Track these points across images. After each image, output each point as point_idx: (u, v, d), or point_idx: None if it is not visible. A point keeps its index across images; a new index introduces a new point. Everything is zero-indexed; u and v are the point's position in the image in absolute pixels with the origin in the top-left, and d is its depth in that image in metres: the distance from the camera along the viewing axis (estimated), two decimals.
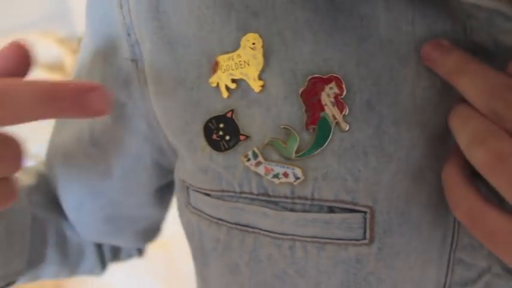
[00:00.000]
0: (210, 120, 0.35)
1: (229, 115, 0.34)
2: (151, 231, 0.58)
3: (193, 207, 0.40)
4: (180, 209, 0.44)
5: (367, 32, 0.31)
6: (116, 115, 0.42)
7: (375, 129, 0.32)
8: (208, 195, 0.38)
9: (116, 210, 0.50)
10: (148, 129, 0.42)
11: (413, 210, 0.33)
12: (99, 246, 0.56)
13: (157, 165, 0.47)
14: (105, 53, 0.41)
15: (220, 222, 0.37)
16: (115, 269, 0.65)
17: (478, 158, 0.26)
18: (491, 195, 0.28)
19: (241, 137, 0.34)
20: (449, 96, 0.31)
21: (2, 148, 0.29)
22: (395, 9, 0.31)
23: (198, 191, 0.39)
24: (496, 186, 0.26)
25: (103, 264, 0.57)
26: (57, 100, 0.29)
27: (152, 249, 0.60)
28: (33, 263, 0.47)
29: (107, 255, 0.57)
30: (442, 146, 0.32)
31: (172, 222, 0.57)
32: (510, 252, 0.26)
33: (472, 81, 0.28)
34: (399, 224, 0.33)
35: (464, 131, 0.28)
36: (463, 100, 0.29)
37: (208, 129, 0.35)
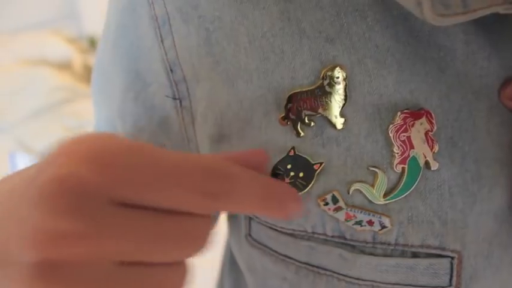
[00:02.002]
0: (275, 168, 0.31)
1: (291, 153, 0.30)
2: None
3: (255, 240, 0.37)
4: (236, 239, 0.41)
5: (445, 64, 0.29)
6: None
7: (458, 167, 0.30)
8: (275, 229, 0.35)
9: None
10: None
11: (496, 252, 0.31)
12: None
13: None
14: (135, 91, 0.36)
15: (287, 259, 0.35)
16: None
17: None
18: None
19: (316, 166, 0.30)
20: None
21: (181, 232, 0.23)
22: (473, 43, 0.29)
23: (264, 224, 0.35)
24: None
25: None
26: (268, 199, 0.25)
27: None
28: None
29: None
30: None
31: None
32: None
33: None
34: (484, 268, 0.31)
35: None
36: None
37: (278, 176, 0.31)
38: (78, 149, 0.20)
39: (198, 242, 0.23)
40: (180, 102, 0.35)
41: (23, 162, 1.80)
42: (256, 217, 0.36)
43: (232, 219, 0.42)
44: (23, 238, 0.19)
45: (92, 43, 2.29)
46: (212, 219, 0.24)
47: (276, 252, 0.35)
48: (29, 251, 0.19)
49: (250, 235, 0.38)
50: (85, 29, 2.35)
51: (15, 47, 2.04)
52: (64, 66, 2.00)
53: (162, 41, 0.33)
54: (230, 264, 0.52)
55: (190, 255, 0.23)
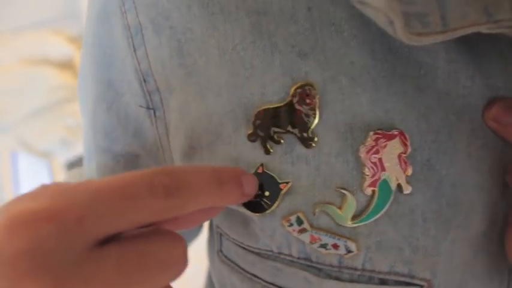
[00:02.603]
0: None
1: (260, 171, 0.29)
2: None
3: (225, 257, 0.36)
4: (210, 254, 0.40)
5: (425, 83, 0.28)
6: (130, 167, 0.38)
7: (434, 191, 0.28)
8: (243, 248, 0.33)
9: None
10: None
11: (469, 281, 0.30)
12: None
13: None
14: (108, 101, 0.35)
15: (254, 278, 0.33)
16: None
17: None
18: None
19: (282, 186, 0.29)
20: (504, 157, 0.29)
21: (163, 254, 0.23)
22: (456, 62, 0.28)
23: (232, 242, 0.34)
24: None
25: None
26: (223, 184, 0.26)
27: None
28: None
29: None
30: (498, 210, 0.29)
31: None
32: None
33: None
34: None
35: None
36: None
37: None
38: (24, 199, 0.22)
39: (175, 267, 0.24)
40: (154, 112, 0.34)
41: (24, 161, 1.80)
42: (226, 234, 0.35)
43: (210, 236, 0.41)
44: None
45: None
46: (187, 240, 0.26)
47: (243, 270, 0.34)
48: None
49: (221, 251, 0.37)
50: None
51: (16, 46, 2.04)
52: (65, 65, 2.00)
53: (134, 50, 0.32)
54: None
55: (170, 279, 0.24)
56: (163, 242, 0.23)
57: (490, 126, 0.28)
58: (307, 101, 0.27)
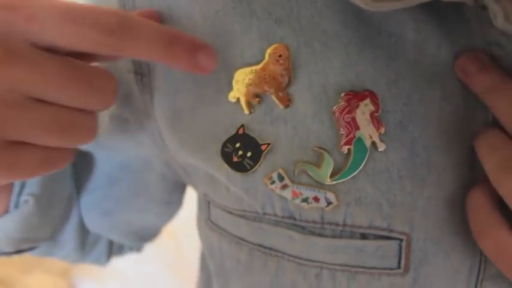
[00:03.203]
0: (224, 145, 0.31)
1: (240, 132, 0.31)
2: (148, 234, 0.56)
3: (214, 224, 0.38)
4: (199, 224, 0.42)
5: (395, 51, 0.29)
6: (120, 130, 0.39)
7: (408, 151, 0.30)
8: (229, 212, 0.35)
9: (116, 206, 0.48)
10: (153, 144, 0.39)
11: (446, 238, 0.31)
12: (111, 241, 0.55)
13: (164, 177, 0.44)
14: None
15: (241, 241, 0.35)
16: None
17: (505, 186, 0.26)
18: None
19: (263, 147, 0.30)
20: (473, 123, 0.30)
21: (98, 80, 0.27)
22: (423, 31, 0.29)
23: (219, 207, 0.36)
24: None
25: (109, 256, 0.55)
26: (173, 45, 0.27)
27: (160, 236, 0.58)
28: (54, 235, 0.46)
29: (114, 248, 0.55)
30: (469, 172, 0.30)
31: (181, 210, 0.55)
32: None
33: (508, 101, 0.27)
34: (434, 253, 0.31)
35: (492, 158, 0.27)
36: (491, 125, 0.29)
37: (226, 154, 0.31)
38: None
39: (109, 94, 0.28)
40: (141, 78, 0.35)
41: None
42: (213, 200, 0.36)
43: (198, 208, 0.42)
44: None
45: None
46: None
47: (231, 234, 0.36)
48: None
49: (209, 219, 0.38)
50: None
51: None
52: None
53: (124, 5, 0.34)
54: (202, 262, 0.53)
55: (102, 104, 0.28)
56: (100, 71, 0.28)
57: (458, 77, 0.29)
58: (281, 61, 0.29)
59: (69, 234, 0.47)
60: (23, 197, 0.38)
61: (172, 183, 0.46)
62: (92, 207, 0.48)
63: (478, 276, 0.32)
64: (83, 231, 0.49)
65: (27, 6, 0.25)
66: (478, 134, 0.29)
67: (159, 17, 0.32)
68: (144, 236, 0.55)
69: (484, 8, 0.26)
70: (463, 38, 0.29)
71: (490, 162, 0.28)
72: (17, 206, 0.38)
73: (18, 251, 0.43)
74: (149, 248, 0.60)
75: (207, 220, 0.39)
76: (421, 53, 0.29)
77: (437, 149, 0.30)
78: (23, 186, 0.38)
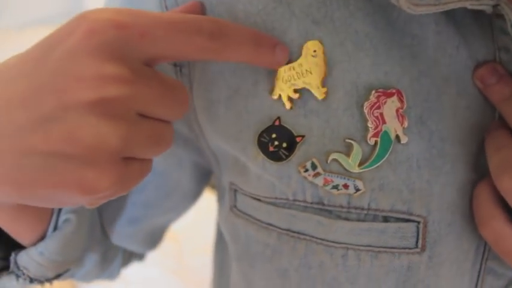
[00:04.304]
0: (261, 135, 0.34)
1: (277, 123, 0.34)
2: (159, 237, 0.57)
3: (240, 211, 0.40)
4: (222, 211, 0.44)
5: (418, 51, 0.33)
6: None
7: (426, 143, 0.33)
8: (258, 200, 0.38)
9: (146, 212, 0.50)
10: (189, 132, 0.42)
11: (458, 221, 0.34)
12: (125, 252, 0.56)
13: (197, 166, 0.47)
14: None
15: (270, 227, 0.38)
16: None
17: (502, 182, 0.30)
18: None
19: (298, 139, 0.34)
20: (484, 118, 0.34)
21: (175, 93, 0.29)
22: (443, 33, 0.33)
23: (248, 195, 0.39)
24: None
25: (121, 269, 0.56)
26: (260, 45, 0.31)
27: (163, 241, 0.59)
28: (83, 254, 0.45)
29: (124, 260, 0.57)
30: (479, 162, 0.34)
31: (184, 215, 0.57)
32: None
33: None
34: (447, 234, 0.34)
35: (496, 157, 0.31)
36: (500, 125, 0.33)
37: (263, 144, 0.34)
38: (104, 11, 0.27)
39: (185, 104, 0.30)
40: (180, 69, 0.38)
41: None
42: (241, 189, 0.39)
43: (220, 197, 0.45)
44: (82, 81, 0.25)
45: None
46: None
47: (259, 220, 0.38)
48: (89, 91, 0.25)
49: (235, 206, 0.41)
50: None
51: (20, 42, 2.05)
52: None
53: (166, 6, 0.36)
54: (217, 246, 0.56)
55: (179, 112, 0.30)
56: (178, 82, 0.30)
57: (477, 85, 0.33)
58: (313, 54, 0.32)
59: (93, 249, 0.48)
60: (63, 217, 0.39)
61: (202, 173, 0.48)
62: (120, 217, 0.49)
63: (483, 255, 0.35)
64: (105, 245, 0.50)
65: (138, 23, 0.26)
66: (488, 131, 0.33)
67: (203, 9, 0.35)
68: (155, 240, 0.57)
69: (499, 16, 0.30)
70: (478, 42, 0.33)
71: (493, 160, 0.32)
72: (55, 227, 0.39)
73: (57, 276, 0.42)
74: (152, 252, 0.61)
75: (232, 207, 0.41)
76: (441, 53, 0.33)
77: (452, 141, 0.33)
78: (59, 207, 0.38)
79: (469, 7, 0.30)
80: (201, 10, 0.35)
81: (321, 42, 0.32)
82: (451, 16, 0.33)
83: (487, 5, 0.30)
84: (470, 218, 0.34)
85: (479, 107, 0.34)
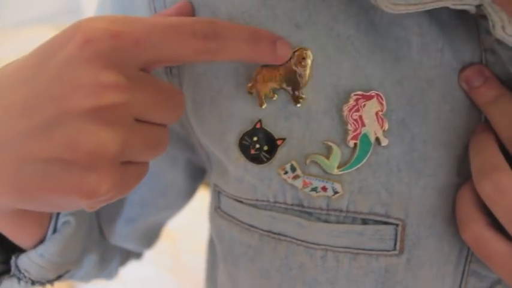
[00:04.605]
0: (242, 138, 0.35)
1: (258, 126, 0.34)
2: (155, 235, 0.58)
3: (224, 212, 0.41)
4: (210, 211, 0.45)
5: (401, 54, 0.33)
6: None
7: (407, 146, 0.33)
8: (240, 201, 0.38)
9: (142, 211, 0.50)
10: (181, 129, 0.42)
11: (439, 224, 0.35)
12: (122, 251, 0.56)
13: (191, 164, 0.48)
14: None
15: (252, 229, 0.38)
16: None
17: (482, 186, 0.30)
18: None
19: (279, 142, 0.34)
20: (470, 121, 0.33)
21: (170, 98, 0.29)
22: (427, 35, 0.33)
23: (230, 197, 0.39)
24: (496, 215, 0.30)
25: (119, 268, 0.57)
26: (258, 41, 0.31)
27: (159, 240, 0.60)
28: (82, 255, 0.46)
29: (123, 258, 0.57)
30: (464, 165, 0.34)
31: (179, 214, 0.57)
32: (508, 274, 0.30)
33: (502, 112, 0.31)
34: (426, 237, 0.34)
35: (477, 160, 0.32)
36: (486, 128, 0.33)
37: (244, 146, 0.35)
38: (98, 20, 0.27)
39: (180, 107, 0.31)
40: (170, 70, 0.39)
41: None
42: (224, 191, 0.40)
43: (211, 196, 0.45)
44: (80, 89, 0.25)
45: None
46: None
47: (241, 222, 0.39)
48: (87, 98, 0.25)
49: (219, 207, 0.41)
50: None
51: (17, 41, 2.07)
52: None
53: (154, 8, 0.37)
54: (209, 247, 0.56)
55: (175, 116, 0.31)
56: (173, 87, 0.30)
57: (462, 87, 0.33)
58: (302, 63, 0.32)
59: (92, 250, 0.48)
60: (62, 219, 0.39)
61: (196, 172, 0.49)
62: (113, 218, 0.50)
63: (466, 258, 0.35)
64: (103, 245, 0.50)
65: (132, 31, 0.27)
66: (472, 135, 0.33)
67: (191, 8, 0.35)
68: (152, 238, 0.57)
69: (483, 17, 0.30)
70: (463, 43, 0.33)
71: (474, 163, 0.32)
72: (54, 230, 0.39)
73: (58, 277, 0.42)
74: (148, 251, 0.61)
75: (216, 208, 0.42)
76: (425, 56, 0.33)
77: (435, 144, 0.33)
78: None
79: (452, 7, 0.29)
80: (191, 10, 0.35)
81: (310, 50, 0.33)
82: (435, 18, 0.33)
83: (469, 5, 0.29)
84: (452, 221, 0.34)
85: (465, 110, 0.34)
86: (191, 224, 1.45)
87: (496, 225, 0.31)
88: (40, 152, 0.26)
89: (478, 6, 0.30)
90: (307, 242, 0.36)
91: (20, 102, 0.26)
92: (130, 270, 1.33)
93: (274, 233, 0.37)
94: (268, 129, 0.34)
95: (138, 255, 0.60)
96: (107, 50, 0.26)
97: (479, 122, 0.34)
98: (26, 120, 0.26)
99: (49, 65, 0.26)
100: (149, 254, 0.63)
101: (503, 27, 0.29)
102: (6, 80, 0.27)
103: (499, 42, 0.31)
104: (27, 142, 0.26)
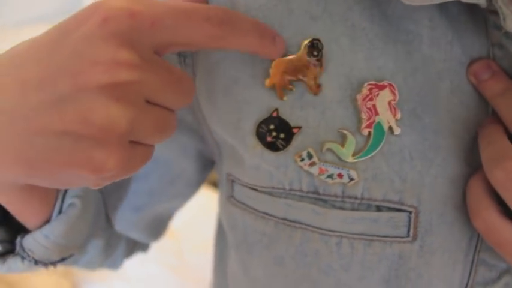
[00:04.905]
0: (259, 126, 0.36)
1: (274, 115, 0.35)
2: (163, 226, 0.58)
3: (237, 201, 0.42)
4: (220, 201, 0.46)
5: (412, 47, 0.34)
6: None
7: (419, 135, 0.34)
8: (255, 189, 0.39)
9: (150, 199, 0.51)
10: (193, 119, 0.43)
11: (450, 212, 0.36)
12: (128, 241, 0.57)
13: (201, 154, 0.48)
14: None
15: (267, 216, 0.39)
16: None
17: (493, 175, 0.31)
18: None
19: (295, 130, 0.35)
20: (478, 113, 0.35)
21: (180, 82, 0.30)
22: (437, 29, 0.34)
23: (245, 186, 0.40)
24: (507, 201, 0.31)
25: (124, 258, 0.57)
26: (264, 36, 0.32)
27: (162, 238, 0.60)
28: (87, 240, 0.46)
29: (129, 248, 0.58)
30: (472, 157, 0.35)
31: (182, 212, 0.58)
32: None
33: (509, 104, 0.32)
34: (438, 224, 0.36)
35: (487, 150, 0.33)
36: (494, 120, 0.34)
37: (261, 134, 0.36)
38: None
39: (190, 92, 0.32)
40: (184, 59, 0.39)
41: None
42: (238, 179, 0.41)
43: (220, 186, 0.46)
44: (98, 65, 0.26)
45: None
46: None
47: (256, 210, 0.40)
48: (104, 74, 0.26)
49: (233, 196, 0.42)
50: None
51: (17, 40, 2.06)
52: None
53: None
54: (217, 237, 0.57)
55: (185, 99, 0.31)
56: (184, 73, 0.31)
57: (470, 81, 0.34)
58: (315, 53, 0.33)
59: (97, 236, 0.48)
60: (68, 201, 0.40)
61: (205, 162, 0.49)
62: (121, 204, 0.50)
63: (476, 246, 0.36)
64: (109, 232, 0.51)
65: (149, 12, 0.27)
66: (481, 126, 0.34)
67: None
68: (159, 229, 0.58)
69: (492, 12, 0.31)
70: (471, 38, 0.34)
71: (485, 154, 0.33)
72: (60, 211, 0.39)
73: (62, 259, 0.43)
74: (151, 249, 0.62)
75: (229, 197, 0.43)
76: (436, 49, 0.34)
77: (445, 134, 0.34)
78: (65, 190, 0.40)
79: (464, 1, 0.30)
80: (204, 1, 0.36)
81: (320, 40, 0.33)
82: (445, 12, 0.34)
83: None
84: (463, 210, 0.35)
85: (473, 102, 0.35)
86: (194, 222, 1.46)
87: (506, 213, 0.32)
88: (52, 125, 0.26)
89: (489, 0, 0.31)
90: (322, 229, 0.37)
91: (36, 76, 0.27)
92: (132, 269, 1.34)
93: (290, 221, 0.38)
94: (285, 118, 0.35)
95: (144, 247, 0.60)
96: (125, 28, 0.27)
97: (486, 114, 0.35)
98: (41, 94, 0.26)
99: (67, 41, 0.27)
100: (152, 252, 0.63)
101: None
102: (21, 57, 0.28)
103: (507, 36, 0.32)
104: (41, 115, 0.26)
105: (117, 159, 0.27)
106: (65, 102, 0.26)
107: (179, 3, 0.29)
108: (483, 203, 0.33)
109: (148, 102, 0.29)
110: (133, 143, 0.29)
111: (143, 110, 0.28)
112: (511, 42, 0.32)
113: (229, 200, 0.43)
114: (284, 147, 0.35)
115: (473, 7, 0.32)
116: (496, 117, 0.34)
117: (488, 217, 0.32)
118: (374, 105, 0.33)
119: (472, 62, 0.34)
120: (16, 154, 0.28)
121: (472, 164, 0.35)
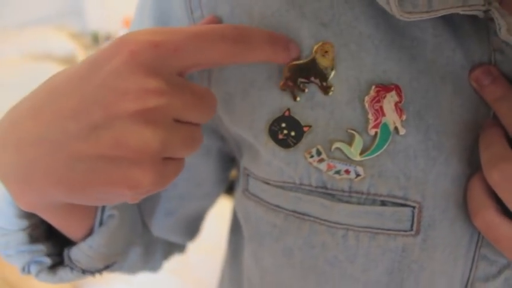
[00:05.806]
0: (272, 124, 0.38)
1: (286, 114, 0.37)
2: (198, 225, 0.60)
3: (251, 194, 0.44)
4: (236, 194, 0.48)
5: (417, 52, 0.36)
6: None
7: (423, 136, 0.36)
8: (267, 183, 0.41)
9: (181, 203, 0.53)
10: (212, 121, 0.45)
11: (452, 208, 0.38)
12: (165, 244, 0.59)
13: (222, 153, 0.51)
14: None
15: (277, 209, 0.41)
16: None
17: (491, 175, 0.33)
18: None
19: (305, 128, 0.37)
20: (479, 116, 0.37)
21: (204, 99, 0.33)
22: (441, 36, 0.36)
23: (259, 179, 0.42)
24: (504, 201, 0.33)
25: (163, 261, 0.60)
26: (277, 44, 0.35)
27: None
28: (128, 247, 0.49)
29: (167, 251, 0.60)
30: (473, 156, 0.37)
31: (216, 202, 0.59)
32: None
33: (510, 108, 0.34)
34: (440, 220, 0.38)
35: (486, 152, 0.34)
36: (494, 123, 0.35)
37: (273, 132, 0.38)
38: (141, 33, 0.31)
39: (212, 107, 0.34)
40: None
41: None
42: (253, 173, 0.43)
43: (237, 182, 0.49)
44: (128, 95, 0.29)
45: (95, 39, 2.36)
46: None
47: (267, 202, 0.42)
48: (134, 103, 0.29)
49: (247, 189, 0.44)
50: (88, 24, 2.41)
51: (19, 41, 2.08)
52: (67, 61, 2.05)
53: (191, 12, 0.40)
54: (231, 234, 0.59)
55: (207, 115, 0.34)
56: (206, 89, 0.33)
57: (472, 86, 0.36)
58: (326, 56, 0.36)
59: (136, 243, 0.51)
60: (107, 213, 0.43)
61: (227, 161, 0.52)
62: (155, 211, 0.53)
63: (477, 242, 0.38)
64: (147, 238, 0.54)
65: (171, 40, 0.30)
66: (482, 129, 0.36)
67: (218, 20, 0.39)
68: (193, 229, 0.60)
69: (492, 20, 0.33)
70: (473, 44, 0.36)
71: (484, 155, 0.35)
72: (101, 223, 0.43)
73: (106, 267, 0.46)
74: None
75: (244, 191, 0.45)
76: (439, 54, 0.36)
77: (448, 135, 0.36)
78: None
79: (461, 13, 0.33)
80: (219, 21, 0.39)
81: (331, 44, 0.36)
82: (448, 20, 0.36)
83: (478, 11, 0.33)
84: (464, 208, 0.37)
85: (474, 106, 0.37)
86: None
87: (504, 212, 0.34)
88: (90, 150, 0.29)
89: (486, 11, 0.33)
90: (330, 222, 0.39)
91: (71, 107, 0.29)
92: None
93: (299, 213, 0.40)
94: (296, 117, 0.37)
95: (181, 248, 0.63)
96: (150, 58, 0.29)
97: (487, 116, 0.37)
98: (76, 123, 0.29)
99: (99, 75, 0.30)
100: None
101: (508, 30, 0.32)
102: (59, 89, 0.31)
103: (507, 43, 0.34)
104: (78, 142, 0.29)
105: (152, 176, 0.30)
106: (99, 129, 0.29)
107: (196, 28, 0.32)
108: (482, 202, 0.35)
109: (176, 121, 0.31)
110: (166, 159, 0.31)
111: (172, 129, 0.30)
112: (510, 48, 0.35)
113: (244, 193, 0.45)
114: (295, 144, 0.38)
115: (474, 16, 0.35)
116: (496, 120, 0.36)
117: (488, 215, 0.34)
118: (381, 107, 0.36)
119: (474, 67, 0.36)
120: (58, 177, 0.30)
121: (473, 164, 0.37)
